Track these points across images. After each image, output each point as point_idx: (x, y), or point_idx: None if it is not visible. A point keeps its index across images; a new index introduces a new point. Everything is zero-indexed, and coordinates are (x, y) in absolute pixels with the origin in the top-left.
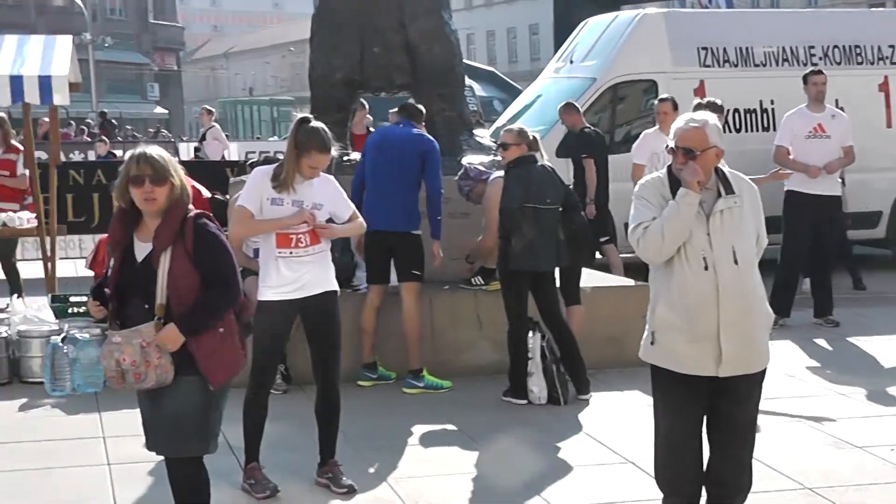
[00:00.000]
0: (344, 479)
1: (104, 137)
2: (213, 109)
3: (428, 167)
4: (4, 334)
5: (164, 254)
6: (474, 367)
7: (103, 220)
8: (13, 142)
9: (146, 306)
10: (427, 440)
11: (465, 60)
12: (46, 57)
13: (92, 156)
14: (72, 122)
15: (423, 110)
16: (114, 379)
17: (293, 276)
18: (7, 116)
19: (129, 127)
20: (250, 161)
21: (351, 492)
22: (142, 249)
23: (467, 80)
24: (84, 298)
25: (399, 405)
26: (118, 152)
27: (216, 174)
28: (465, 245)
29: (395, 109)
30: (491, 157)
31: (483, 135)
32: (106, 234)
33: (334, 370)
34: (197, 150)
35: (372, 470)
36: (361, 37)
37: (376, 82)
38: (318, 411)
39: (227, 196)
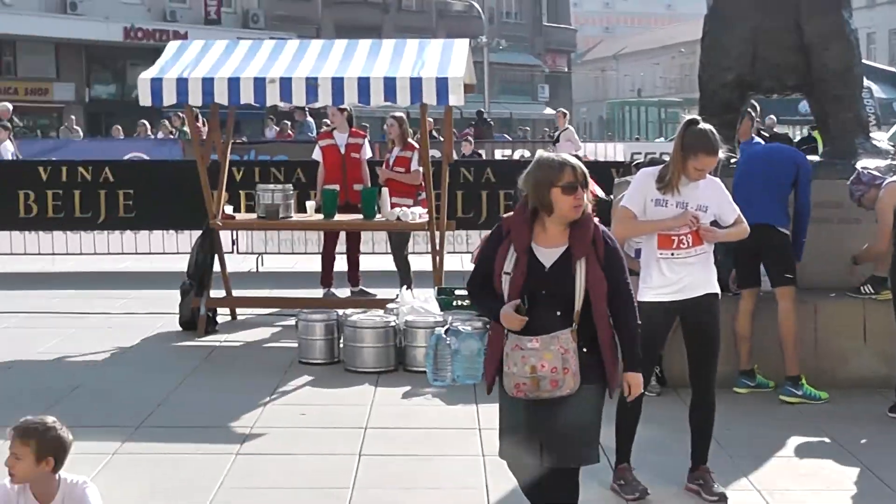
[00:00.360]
0: (715, 486)
1: (469, 137)
2: (567, 112)
3: (801, 180)
4: (393, 324)
5: (580, 261)
6: (857, 379)
7: (490, 217)
8: (410, 140)
9: (558, 313)
10: (803, 452)
11: (864, 60)
12: (444, 60)
13: (482, 154)
14: (473, 123)
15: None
16: (525, 385)
17: (674, 277)
18: (406, 116)
19: (527, 128)
20: (635, 162)
21: (722, 500)
22: (545, 255)
23: (865, 82)
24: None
25: (775, 414)
26: (506, 152)
27: (601, 174)
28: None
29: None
30: (888, 162)
31: (880, 138)
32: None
33: (711, 375)
34: None
35: (744, 479)
36: (754, 37)
37: (767, 83)
38: (693, 416)
39: (611, 196)
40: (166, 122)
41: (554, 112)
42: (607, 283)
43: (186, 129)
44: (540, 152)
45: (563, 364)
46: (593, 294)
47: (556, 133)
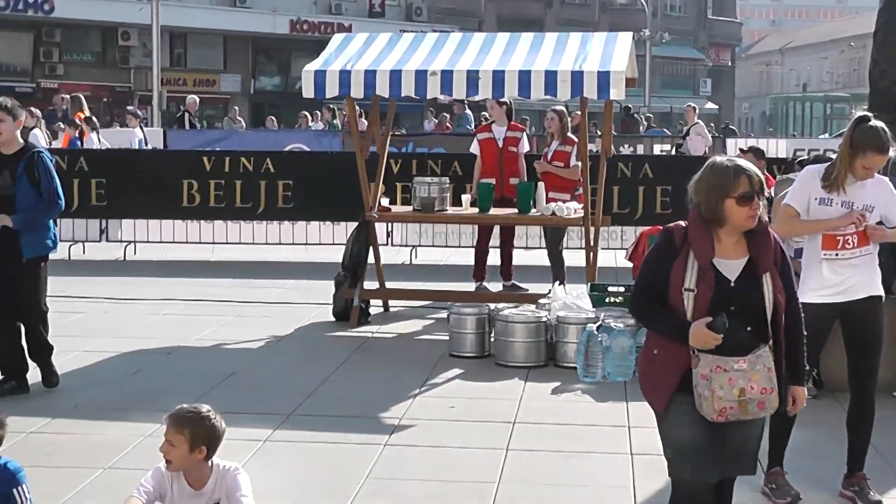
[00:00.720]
0: (871, 494)
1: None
2: (696, 106)
3: None
4: (544, 319)
5: (766, 274)
6: None
7: (646, 213)
8: (569, 134)
9: (748, 328)
10: None
11: None
12: (606, 53)
13: (641, 149)
14: (637, 115)
15: None
16: (732, 409)
17: (837, 279)
18: (566, 109)
19: (699, 123)
20: (799, 159)
21: None
22: (728, 268)
23: None
24: (622, 289)
25: None
26: (665, 147)
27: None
28: None
29: None
30: None
31: None
32: (648, 228)
33: (871, 379)
34: (679, 146)
35: None
36: None
37: None
38: (850, 420)
39: (772, 193)
40: (319, 113)
41: (715, 107)
42: (785, 292)
43: (336, 121)
44: (713, 158)
45: (770, 384)
46: (778, 307)
47: (686, 128)
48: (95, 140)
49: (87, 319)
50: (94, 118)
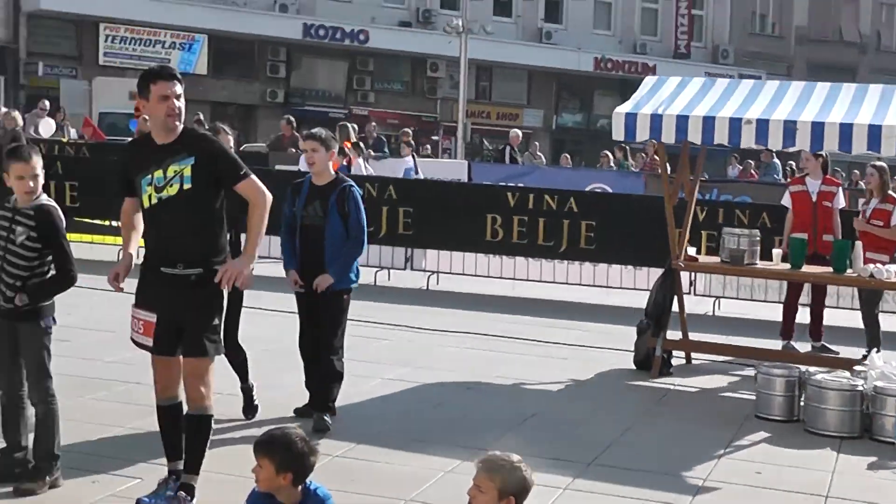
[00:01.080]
0: None
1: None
2: None
3: None
4: (861, 387)
5: None
6: None
7: None
8: (890, 192)
9: None
10: None
11: None
12: None
13: None
14: None
15: None
16: None
17: None
18: (887, 167)
19: None
20: None
21: None
22: None
23: None
24: None
25: None
26: None
27: None
28: None
29: None
30: None
31: None
32: None
33: None
34: None
35: None
36: None
37: None
38: None
39: None
40: (609, 154)
41: None
42: None
43: (628, 161)
44: None
45: None
46: None
47: None
48: (362, 166)
49: (390, 347)
50: (360, 143)
